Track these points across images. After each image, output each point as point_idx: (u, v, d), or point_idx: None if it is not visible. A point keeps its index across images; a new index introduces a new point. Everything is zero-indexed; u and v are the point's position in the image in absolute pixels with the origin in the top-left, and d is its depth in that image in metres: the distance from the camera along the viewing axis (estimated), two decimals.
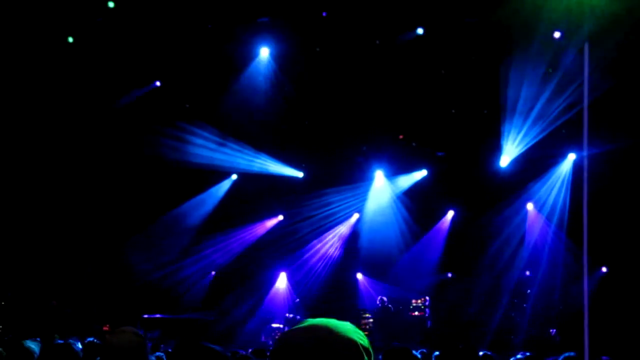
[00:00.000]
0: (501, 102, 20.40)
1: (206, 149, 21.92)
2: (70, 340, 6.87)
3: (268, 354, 10.37)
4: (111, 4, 18.76)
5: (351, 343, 2.33)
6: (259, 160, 22.57)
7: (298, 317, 20.19)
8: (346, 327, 2.39)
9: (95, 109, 21.00)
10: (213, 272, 22.74)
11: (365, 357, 2.35)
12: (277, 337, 2.45)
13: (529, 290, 19.43)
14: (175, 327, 19.16)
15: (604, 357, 11.96)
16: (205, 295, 22.31)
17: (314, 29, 20.32)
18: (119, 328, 4.85)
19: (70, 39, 19.71)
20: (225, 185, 23.14)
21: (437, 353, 9.75)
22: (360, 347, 2.34)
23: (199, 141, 21.80)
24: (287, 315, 20.57)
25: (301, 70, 21.25)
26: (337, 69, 20.75)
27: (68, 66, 19.87)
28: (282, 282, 22.88)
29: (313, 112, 21.72)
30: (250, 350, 11.59)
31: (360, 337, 2.38)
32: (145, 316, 18.99)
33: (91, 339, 10.46)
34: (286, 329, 20.05)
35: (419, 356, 9.89)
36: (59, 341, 7.18)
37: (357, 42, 20.55)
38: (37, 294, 19.66)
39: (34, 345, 6.79)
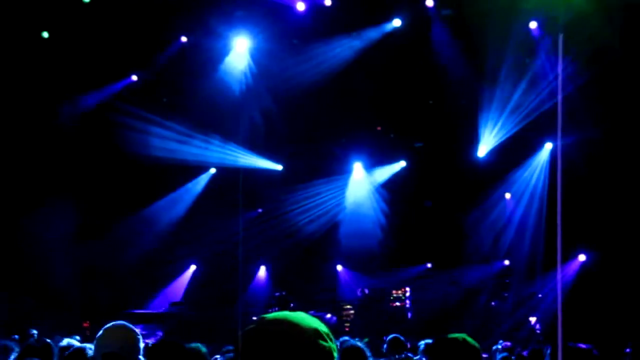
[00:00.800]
0: (478, 92, 20.52)
1: (183, 143, 21.85)
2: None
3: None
4: None
5: (312, 330, 2.38)
6: (237, 154, 22.52)
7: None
8: (304, 317, 2.44)
9: (70, 104, 20.90)
10: (193, 266, 22.68)
11: (327, 344, 2.39)
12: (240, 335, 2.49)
13: (508, 280, 19.55)
14: (156, 322, 19.13)
15: (580, 345, 12.07)
16: (186, 290, 22.27)
17: (291, 21, 20.34)
18: (111, 324, 4.85)
19: (45, 34, 19.58)
20: (203, 179, 23.08)
21: (423, 343, 9.83)
22: (320, 339, 2.38)
23: (176, 136, 21.73)
24: (271, 309, 20.51)
25: (278, 63, 21.22)
26: (315, 61, 20.77)
27: (42, 60, 19.75)
28: (262, 275, 22.87)
29: (291, 105, 21.68)
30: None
31: (319, 324, 2.43)
32: (126, 311, 18.93)
33: (76, 337, 10.43)
34: None
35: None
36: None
37: (334, 33, 20.60)
38: (14, 291, 19.51)
39: (12, 344, 6.77)
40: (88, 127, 21.17)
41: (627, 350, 12.94)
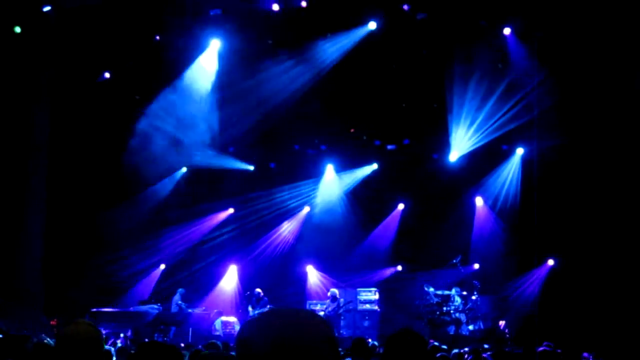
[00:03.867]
0: (450, 97, 20.65)
1: (155, 143, 21.76)
2: None
3: (221, 344, 10.36)
4: None
5: (320, 330, 2.39)
6: (209, 154, 22.47)
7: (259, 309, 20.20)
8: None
9: (43, 100, 20.75)
10: (163, 265, 22.56)
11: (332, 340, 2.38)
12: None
13: (476, 282, 19.65)
14: (124, 320, 19.02)
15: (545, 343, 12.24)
16: (154, 289, 22.14)
17: (267, 22, 20.35)
18: (72, 320, 4.81)
19: (18, 29, 19.41)
20: (174, 178, 22.97)
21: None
22: (329, 333, 2.39)
23: (148, 135, 21.63)
24: (249, 309, 20.41)
25: (252, 63, 21.23)
26: (290, 62, 20.80)
27: (15, 56, 19.59)
28: (232, 275, 22.80)
29: (264, 106, 21.68)
30: (200, 345, 11.54)
31: (327, 324, 2.42)
32: (94, 310, 18.79)
33: (42, 335, 10.36)
34: (240, 321, 20.07)
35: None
36: None
37: (309, 35, 20.64)
38: None
39: None
40: (60, 125, 21.00)
41: (585, 355, 13.12)
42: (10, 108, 20.02)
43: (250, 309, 20.19)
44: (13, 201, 20.33)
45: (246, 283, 22.09)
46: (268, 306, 19.45)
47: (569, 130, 18.91)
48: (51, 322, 18.99)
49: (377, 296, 21.04)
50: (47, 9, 19.25)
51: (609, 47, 17.96)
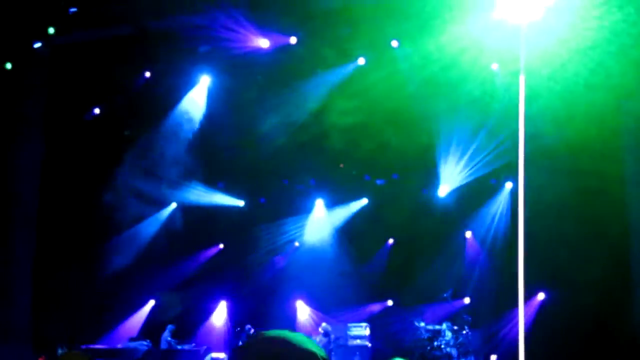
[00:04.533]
0: (440, 131, 20.76)
1: (144, 179, 21.79)
2: None
3: None
4: (51, 30, 18.62)
5: (310, 354, 2.35)
6: (198, 190, 22.49)
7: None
8: (303, 339, 2.40)
9: (32, 136, 20.78)
10: (152, 301, 22.46)
11: None
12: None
13: (467, 317, 19.62)
14: (114, 358, 18.88)
15: None
16: (144, 325, 22.02)
17: (256, 58, 20.49)
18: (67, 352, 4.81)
19: (9, 65, 19.49)
20: (164, 213, 22.95)
21: None
22: (319, 357, 2.36)
23: (137, 171, 21.67)
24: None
25: (242, 99, 21.34)
26: (279, 98, 20.92)
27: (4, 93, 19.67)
28: (221, 311, 22.71)
29: (254, 141, 21.77)
30: None
31: (317, 348, 2.39)
32: (83, 347, 18.67)
33: None
34: (226, 358, 19.95)
35: None
36: None
37: (298, 71, 20.78)
38: None
39: None
40: (52, 159, 21.02)
41: None
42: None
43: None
44: (1, 236, 20.27)
45: (236, 319, 21.99)
46: None
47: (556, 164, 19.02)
48: (39, 359, 18.83)
49: (367, 331, 20.97)
50: (37, 45, 19.32)
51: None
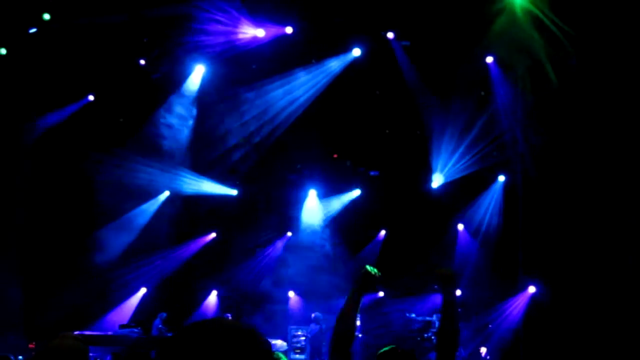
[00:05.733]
0: (434, 123, 20.78)
1: (138, 171, 21.77)
2: None
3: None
4: (47, 16, 18.55)
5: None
6: (192, 179, 22.45)
7: None
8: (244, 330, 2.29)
9: (25, 122, 20.73)
10: (144, 289, 22.45)
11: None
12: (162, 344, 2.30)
13: (459, 310, 19.68)
14: (104, 344, 18.85)
15: None
16: (135, 312, 22.02)
17: (251, 47, 20.44)
18: (60, 336, 4.81)
19: (3, 51, 19.41)
20: (157, 202, 22.91)
21: None
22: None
23: (131, 159, 21.63)
24: None
25: (237, 89, 21.31)
26: (273, 88, 20.89)
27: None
28: (212, 300, 22.73)
29: (248, 131, 21.77)
30: None
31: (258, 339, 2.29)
32: (74, 333, 18.61)
33: (20, 357, 10.28)
34: None
35: None
36: None
37: (293, 61, 20.75)
38: None
39: None
40: (44, 147, 20.98)
41: None
42: None
43: None
44: None
45: (227, 308, 22.01)
46: None
47: (554, 159, 19.06)
48: (29, 345, 18.81)
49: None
50: (33, 30, 19.25)
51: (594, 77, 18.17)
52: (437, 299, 20.56)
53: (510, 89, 19.70)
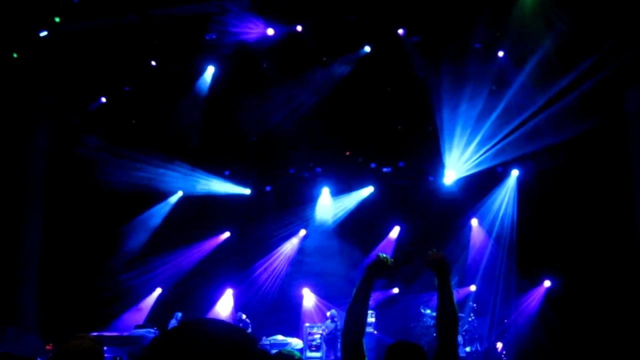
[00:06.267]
0: (446, 119, 20.72)
1: (151, 172, 21.84)
2: None
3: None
4: (57, 19, 18.62)
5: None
6: (205, 179, 22.52)
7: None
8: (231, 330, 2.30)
9: (37, 122, 20.83)
10: (159, 289, 22.54)
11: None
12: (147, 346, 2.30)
13: (472, 304, 19.66)
14: (120, 345, 18.92)
15: None
16: (151, 312, 22.11)
17: (262, 46, 20.45)
18: (76, 337, 4.83)
19: (15, 55, 19.51)
20: (170, 202, 22.99)
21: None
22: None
23: (144, 161, 21.70)
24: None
25: (248, 87, 21.32)
26: (285, 86, 20.89)
27: (12, 81, 19.68)
28: (227, 298, 22.77)
29: (260, 129, 21.78)
30: None
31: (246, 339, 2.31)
32: (91, 334, 18.70)
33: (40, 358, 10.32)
34: None
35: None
36: None
37: (304, 59, 20.74)
38: None
39: None
40: (58, 149, 21.09)
41: None
42: (8, 132, 20.11)
43: None
44: (9, 226, 20.34)
45: (241, 307, 22.03)
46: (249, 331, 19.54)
47: (566, 150, 18.99)
48: (47, 347, 18.91)
49: (373, 319, 20.99)
50: (44, 34, 19.33)
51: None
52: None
53: (522, 82, 19.61)
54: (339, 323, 20.14)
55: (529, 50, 19.00)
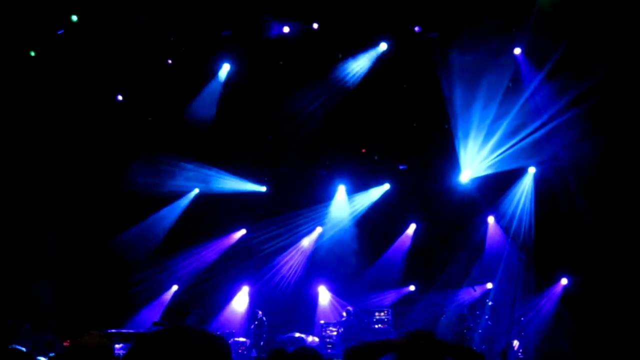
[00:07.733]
0: (461, 117, 20.63)
1: (167, 170, 21.93)
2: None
3: None
4: (74, 18, 18.69)
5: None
6: (221, 177, 22.55)
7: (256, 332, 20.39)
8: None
9: (54, 123, 20.90)
10: (176, 286, 22.61)
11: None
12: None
13: (491, 304, 19.60)
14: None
15: None
16: (167, 309, 22.16)
17: (277, 42, 20.44)
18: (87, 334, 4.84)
19: (32, 53, 19.59)
20: (187, 199, 23.05)
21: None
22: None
23: (160, 159, 21.79)
24: (251, 327, 20.59)
25: (264, 85, 21.32)
26: (301, 84, 20.86)
27: (30, 80, 19.76)
28: (244, 295, 22.80)
29: (276, 127, 21.79)
30: None
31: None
32: (107, 331, 18.79)
33: (52, 354, 10.38)
34: (249, 342, 20.09)
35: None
36: None
37: (321, 57, 20.70)
38: None
39: None
40: (69, 150, 21.17)
41: None
42: (27, 128, 20.23)
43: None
44: (24, 226, 20.45)
45: (258, 304, 22.05)
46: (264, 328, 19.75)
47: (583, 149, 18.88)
48: (64, 344, 18.99)
49: (389, 317, 20.97)
50: (61, 32, 19.40)
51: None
52: (469, 292, 20.50)
53: (539, 80, 19.49)
54: (355, 321, 20.14)
55: (549, 50, 18.86)
